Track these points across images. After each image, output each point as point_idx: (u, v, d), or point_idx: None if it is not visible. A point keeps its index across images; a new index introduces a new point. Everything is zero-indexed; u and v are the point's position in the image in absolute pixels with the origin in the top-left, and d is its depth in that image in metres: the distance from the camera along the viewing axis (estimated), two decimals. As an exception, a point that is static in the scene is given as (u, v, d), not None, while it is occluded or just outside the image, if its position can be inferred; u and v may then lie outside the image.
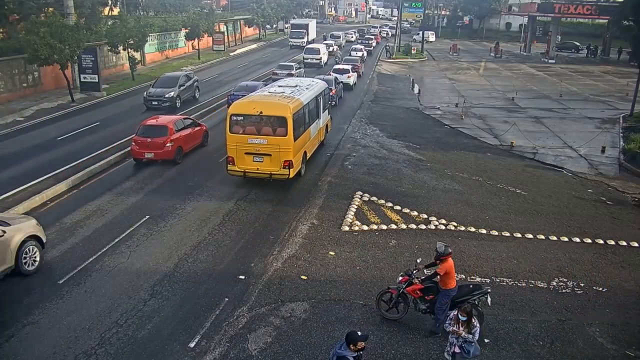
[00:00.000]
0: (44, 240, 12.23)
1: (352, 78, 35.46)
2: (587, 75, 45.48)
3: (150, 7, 59.71)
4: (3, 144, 21.56)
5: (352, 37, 69.62)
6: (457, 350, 8.15)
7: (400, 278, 10.09)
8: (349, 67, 36.57)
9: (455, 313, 8.15)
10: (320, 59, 44.08)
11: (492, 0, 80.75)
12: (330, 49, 50.45)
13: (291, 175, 16.51)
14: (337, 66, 37.26)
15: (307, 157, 18.47)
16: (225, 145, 16.78)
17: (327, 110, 21.81)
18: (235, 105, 16.98)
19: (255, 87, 25.10)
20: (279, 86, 19.58)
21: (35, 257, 11.85)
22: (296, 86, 19.27)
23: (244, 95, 19.67)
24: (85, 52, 29.50)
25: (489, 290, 9.86)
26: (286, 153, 16.15)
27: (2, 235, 11.09)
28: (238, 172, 16.60)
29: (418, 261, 10.04)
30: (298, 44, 58.72)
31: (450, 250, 9.44)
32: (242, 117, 16.44)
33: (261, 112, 16.31)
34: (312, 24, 67.00)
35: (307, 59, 43.71)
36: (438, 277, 9.54)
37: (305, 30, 61.35)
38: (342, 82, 32.86)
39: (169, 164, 18.95)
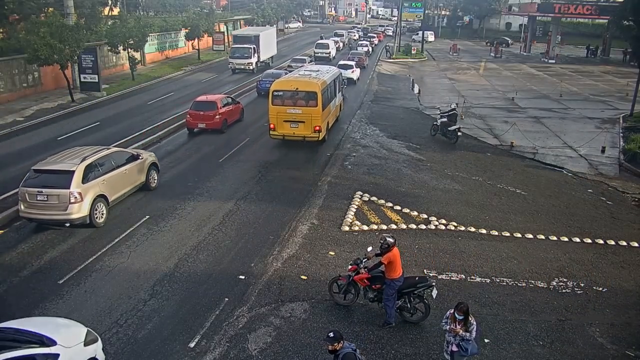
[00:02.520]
0: (159, 168, 17.17)
1: (355, 73, 38.20)
2: (587, 75, 45.49)
3: (150, 7, 59.77)
4: (3, 144, 21.57)
5: (355, 35, 73.00)
6: (454, 348, 8.15)
7: (350, 267, 10.39)
8: (352, 62, 39.69)
9: (452, 312, 8.14)
10: (329, 53, 48.78)
11: (492, 0, 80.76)
12: (338, 45, 56.05)
13: (320, 138, 20.85)
14: (341, 62, 39.77)
15: (329, 127, 22.61)
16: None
17: (340, 92, 26.01)
18: (276, 84, 21.29)
19: (279, 74, 28.94)
20: (305, 71, 24.15)
21: (155, 178, 16.84)
22: (318, 71, 23.52)
23: (272, 81, 23.56)
24: (85, 52, 29.51)
25: (434, 283, 10.01)
26: (317, 120, 20.37)
27: (142, 158, 16.16)
28: (278, 136, 20.91)
29: (368, 250, 10.28)
30: (242, 67, 40.04)
31: (393, 241, 9.78)
32: (281, 93, 20.70)
33: (297, 88, 20.62)
34: (267, 35, 44.51)
35: (318, 53, 48.14)
36: (383, 266, 9.86)
37: (252, 46, 40.41)
38: (346, 77, 34.30)
39: (217, 132, 23.17)
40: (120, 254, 12.54)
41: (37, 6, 32.35)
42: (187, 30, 48.13)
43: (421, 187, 17.56)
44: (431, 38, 75.25)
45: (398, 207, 15.56)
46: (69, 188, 13.16)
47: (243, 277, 11.63)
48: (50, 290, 11.02)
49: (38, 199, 13.24)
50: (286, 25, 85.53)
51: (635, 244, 13.95)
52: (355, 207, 15.53)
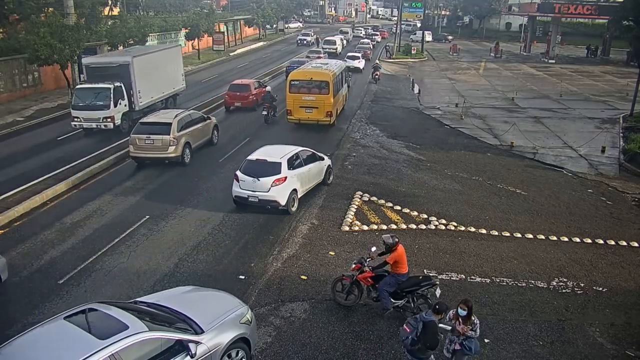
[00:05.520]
0: (219, 129, 21.95)
1: (361, 63, 44.27)
2: (587, 75, 45.47)
3: (150, 7, 59.66)
4: (3, 143, 21.56)
5: (359, 33, 78.94)
6: (457, 347, 8.14)
7: (354, 265, 10.38)
8: (359, 54, 46.06)
9: (455, 311, 8.13)
10: (336, 49, 52.87)
11: (492, 0, 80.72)
12: (344, 42, 60.42)
13: (331, 122, 23.75)
14: (350, 53, 45.89)
15: (337, 113, 25.30)
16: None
17: (346, 85, 28.78)
18: (293, 74, 24.62)
19: (303, 62, 33.82)
20: (317, 63, 27.42)
21: (216, 136, 21.62)
22: (327, 64, 26.64)
23: (298, 67, 28.36)
24: (85, 52, 29.47)
25: (437, 282, 10.05)
26: (328, 106, 23.23)
27: (210, 120, 21.31)
28: (294, 119, 23.75)
29: (372, 250, 10.24)
30: (93, 125, 21.86)
31: (397, 240, 9.85)
32: (298, 82, 23.62)
33: (311, 78, 23.56)
34: (154, 61, 25.42)
35: (326, 48, 51.11)
36: (388, 265, 9.90)
37: (113, 85, 22.05)
38: (353, 66, 41.29)
39: (250, 110, 27.55)
40: (120, 254, 12.54)
41: (37, 6, 32.30)
42: (187, 30, 48.11)
43: (421, 187, 17.56)
44: (428, 38, 74.53)
45: (398, 207, 15.56)
46: (169, 134, 18.13)
47: (243, 277, 11.62)
48: (50, 290, 11.02)
49: (146, 142, 18.16)
50: (286, 25, 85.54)
51: (635, 244, 13.95)
52: (355, 207, 15.53)
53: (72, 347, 6.78)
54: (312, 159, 16.19)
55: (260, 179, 14.34)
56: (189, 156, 19.04)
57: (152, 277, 11.55)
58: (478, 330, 8.08)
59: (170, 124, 18.34)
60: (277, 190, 14.32)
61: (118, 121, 22.26)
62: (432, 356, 8.00)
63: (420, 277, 10.19)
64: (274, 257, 12.52)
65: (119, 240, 13.22)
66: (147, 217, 14.58)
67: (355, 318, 10.28)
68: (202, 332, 7.89)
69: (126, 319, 7.35)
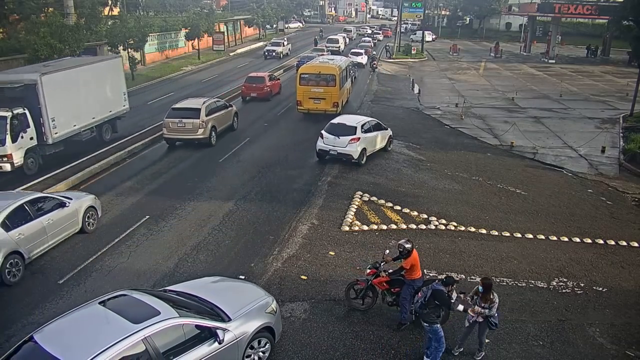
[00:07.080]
0: (238, 116, 24.60)
1: (364, 59, 47.44)
2: (587, 75, 45.46)
3: (150, 7, 59.70)
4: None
5: (364, 31, 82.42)
6: (480, 319, 8.71)
7: (368, 270, 10.32)
8: (362, 51, 49.55)
9: (476, 288, 8.70)
10: (339, 47, 55.30)
11: (492, 0, 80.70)
12: (346, 40, 63.51)
13: (337, 111, 25.05)
14: (353, 50, 49.29)
15: (343, 104, 27.28)
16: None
17: (350, 80, 30.75)
18: (303, 67, 26.88)
19: (312, 57, 35.52)
20: (325, 59, 29.86)
21: (237, 122, 24.23)
22: (333, 59, 28.95)
23: (307, 62, 30.62)
24: (85, 52, 29.48)
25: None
26: (335, 97, 25.21)
27: (232, 107, 23.88)
28: (304, 110, 25.79)
29: (386, 253, 10.22)
30: None
31: (411, 245, 9.72)
32: (307, 75, 25.62)
33: (320, 72, 25.50)
34: (78, 79, 19.48)
35: (329, 47, 53.29)
36: (404, 271, 9.85)
37: (11, 114, 16.45)
38: (357, 61, 43.58)
39: (264, 100, 30.22)
40: (120, 254, 12.54)
41: (37, 6, 32.30)
42: (187, 30, 48.14)
43: (421, 187, 17.56)
44: (428, 37, 74.24)
45: (398, 207, 15.56)
46: (198, 118, 20.52)
47: (243, 277, 11.60)
48: (50, 290, 11.03)
49: (178, 125, 20.59)
50: (286, 26, 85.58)
51: (635, 244, 13.96)
52: (355, 207, 15.53)
53: (107, 330, 7.10)
54: (378, 127, 20.17)
55: (340, 137, 18.42)
56: (215, 138, 21.38)
57: (152, 277, 11.55)
58: (494, 309, 8.54)
59: (199, 109, 20.78)
60: (352, 147, 18.32)
61: (19, 160, 16.86)
62: (439, 325, 8.48)
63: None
64: (274, 257, 12.51)
65: (119, 240, 13.22)
66: (147, 217, 14.58)
67: (355, 318, 10.28)
68: (230, 320, 8.21)
69: (158, 305, 7.65)
